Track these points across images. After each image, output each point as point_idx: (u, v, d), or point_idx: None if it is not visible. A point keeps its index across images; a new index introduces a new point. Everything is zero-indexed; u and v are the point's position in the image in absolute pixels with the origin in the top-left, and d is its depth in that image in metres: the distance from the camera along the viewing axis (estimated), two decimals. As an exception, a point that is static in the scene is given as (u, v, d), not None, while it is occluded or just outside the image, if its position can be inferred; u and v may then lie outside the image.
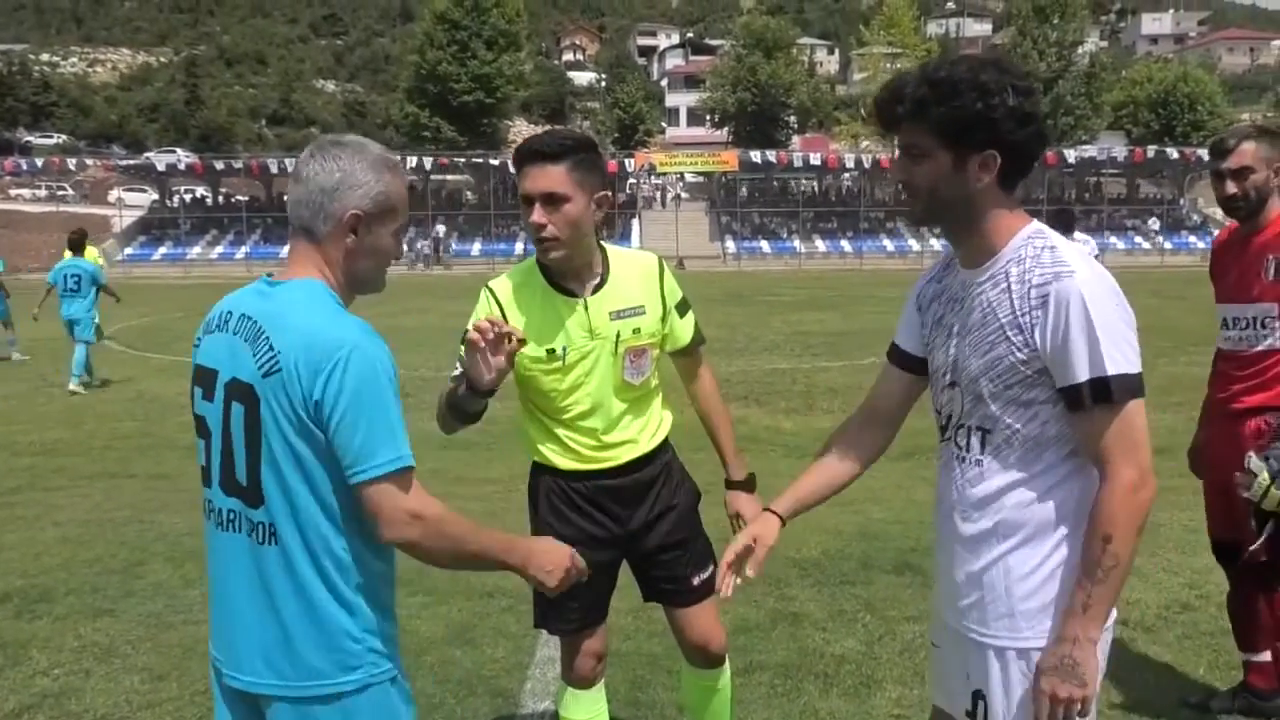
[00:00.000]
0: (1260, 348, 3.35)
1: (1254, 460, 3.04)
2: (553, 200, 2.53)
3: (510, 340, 2.33)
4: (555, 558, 2.06)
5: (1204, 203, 57.97)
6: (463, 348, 2.61)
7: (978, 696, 1.94)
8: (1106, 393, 1.74)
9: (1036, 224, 1.89)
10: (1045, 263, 1.80)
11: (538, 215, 2.55)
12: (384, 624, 1.95)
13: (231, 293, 1.99)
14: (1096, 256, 15.76)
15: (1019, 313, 1.81)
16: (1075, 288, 1.75)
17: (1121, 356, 1.75)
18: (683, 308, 2.85)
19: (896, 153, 1.96)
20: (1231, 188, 3.33)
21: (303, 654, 1.86)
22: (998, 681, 1.90)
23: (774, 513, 2.16)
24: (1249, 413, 3.36)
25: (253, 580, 1.90)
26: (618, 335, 2.69)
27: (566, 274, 2.68)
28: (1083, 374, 1.75)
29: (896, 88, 1.89)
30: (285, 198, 2.00)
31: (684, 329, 2.86)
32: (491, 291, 2.72)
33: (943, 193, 1.86)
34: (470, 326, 2.49)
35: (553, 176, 2.53)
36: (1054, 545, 1.86)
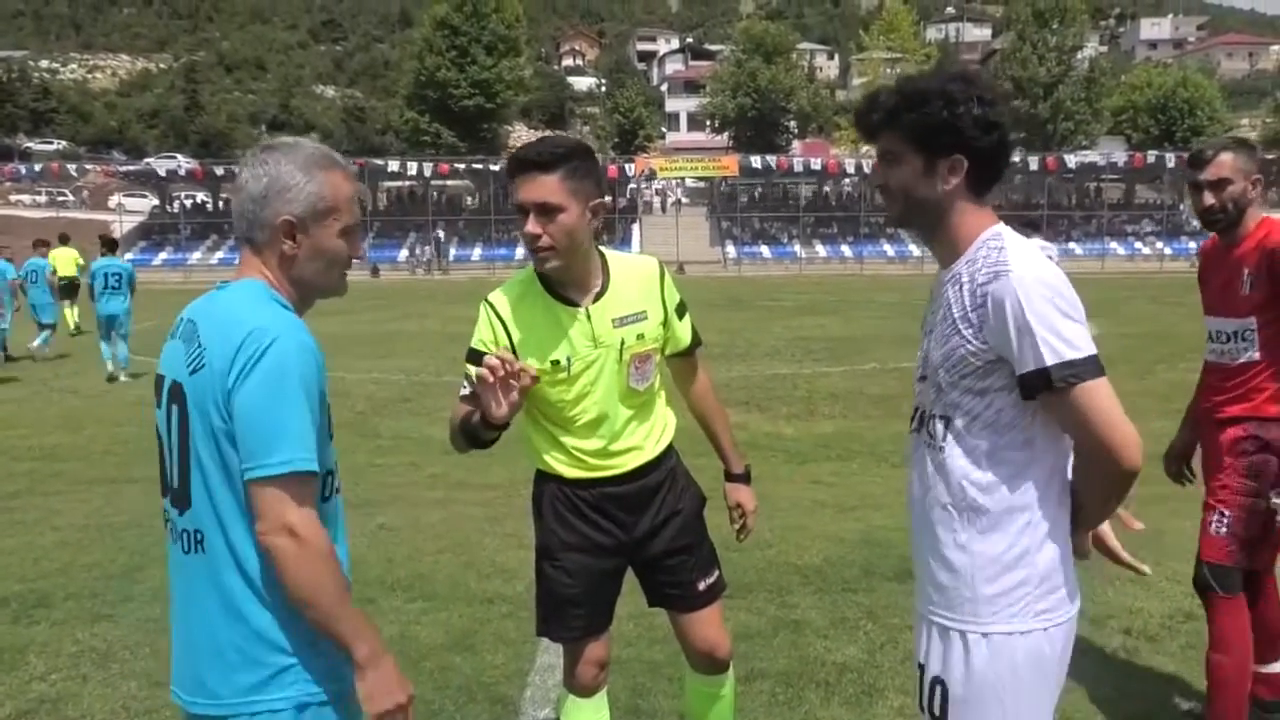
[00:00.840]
0: (1241, 360, 3.33)
1: None
2: (546, 210, 2.51)
3: (522, 377, 2.32)
4: (393, 684, 1.79)
5: (1203, 208, 57.87)
6: (469, 367, 2.60)
7: (935, 684, 2.00)
8: (1048, 381, 1.82)
9: (999, 227, 1.98)
10: (990, 262, 1.89)
11: (532, 226, 2.52)
12: (323, 641, 1.82)
13: (196, 299, 1.97)
14: (1054, 260, 16.55)
15: (968, 309, 1.91)
16: (1009, 285, 1.84)
17: (1060, 344, 1.81)
18: (681, 310, 2.86)
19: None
20: (1209, 199, 3.29)
21: (233, 671, 1.79)
22: (960, 665, 1.96)
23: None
24: (1230, 422, 3.34)
25: (187, 592, 1.84)
26: (622, 342, 2.67)
27: (566, 283, 2.65)
28: (1024, 367, 1.84)
29: (873, 98, 2.04)
30: None
31: (684, 331, 2.87)
32: (491, 306, 2.67)
33: (915, 194, 1.98)
34: (470, 364, 2.52)
35: (546, 186, 2.50)
36: (1017, 532, 1.93)
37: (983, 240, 1.95)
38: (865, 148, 70.07)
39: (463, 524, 6.25)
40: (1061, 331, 1.82)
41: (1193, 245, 52.90)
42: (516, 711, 3.80)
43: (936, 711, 2.00)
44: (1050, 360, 1.80)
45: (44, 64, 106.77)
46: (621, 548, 2.81)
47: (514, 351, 2.60)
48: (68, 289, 19.06)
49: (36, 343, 15.71)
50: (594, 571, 2.78)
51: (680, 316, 2.84)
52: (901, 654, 4.20)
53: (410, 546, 5.78)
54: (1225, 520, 3.30)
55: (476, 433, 2.51)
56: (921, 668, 2.05)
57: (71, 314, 19.47)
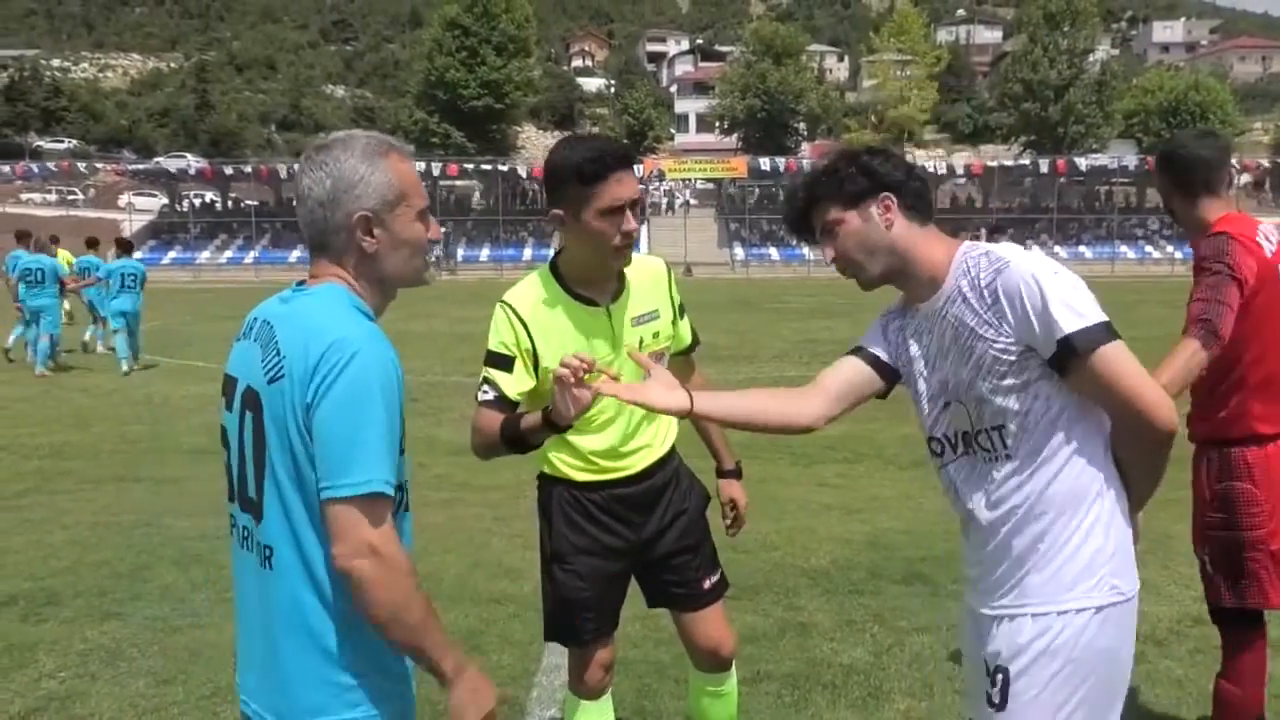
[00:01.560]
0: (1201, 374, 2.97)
1: None
2: (635, 204, 2.54)
3: (602, 379, 2.24)
4: (486, 694, 1.77)
5: (1214, 211, 57.61)
6: (487, 370, 2.58)
7: (998, 673, 2.00)
8: (1072, 350, 1.88)
9: (967, 243, 2.09)
10: (986, 264, 1.98)
11: (634, 221, 2.53)
12: (391, 660, 1.80)
13: (268, 299, 1.90)
14: None
15: (982, 313, 1.97)
16: (1014, 273, 1.93)
17: (1072, 314, 1.88)
18: (682, 310, 2.88)
19: (824, 252, 2.17)
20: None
21: (301, 690, 1.74)
22: (1033, 648, 1.96)
23: (688, 396, 2.14)
24: (1200, 444, 3.11)
25: (259, 605, 1.80)
26: (640, 341, 2.67)
27: (587, 283, 2.63)
28: (1050, 345, 1.89)
29: (792, 198, 2.21)
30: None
31: (686, 331, 2.90)
32: (510, 307, 2.61)
33: (868, 244, 2.08)
34: (491, 368, 2.54)
35: (635, 181, 2.55)
36: (1085, 509, 1.98)
37: (962, 256, 2.04)
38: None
39: (469, 524, 6.26)
40: (1072, 301, 1.89)
41: (1203, 249, 52.67)
42: (523, 712, 3.80)
43: (997, 699, 2.00)
44: (1069, 328, 1.87)
45: (55, 63, 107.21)
46: (630, 549, 2.80)
47: (534, 354, 2.58)
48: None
49: (87, 334, 17.09)
50: (604, 574, 2.78)
51: (681, 316, 2.87)
52: (908, 657, 4.19)
53: (417, 546, 5.73)
54: (1207, 560, 3.09)
55: (525, 438, 2.48)
56: (987, 665, 2.04)
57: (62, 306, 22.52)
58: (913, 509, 6.60)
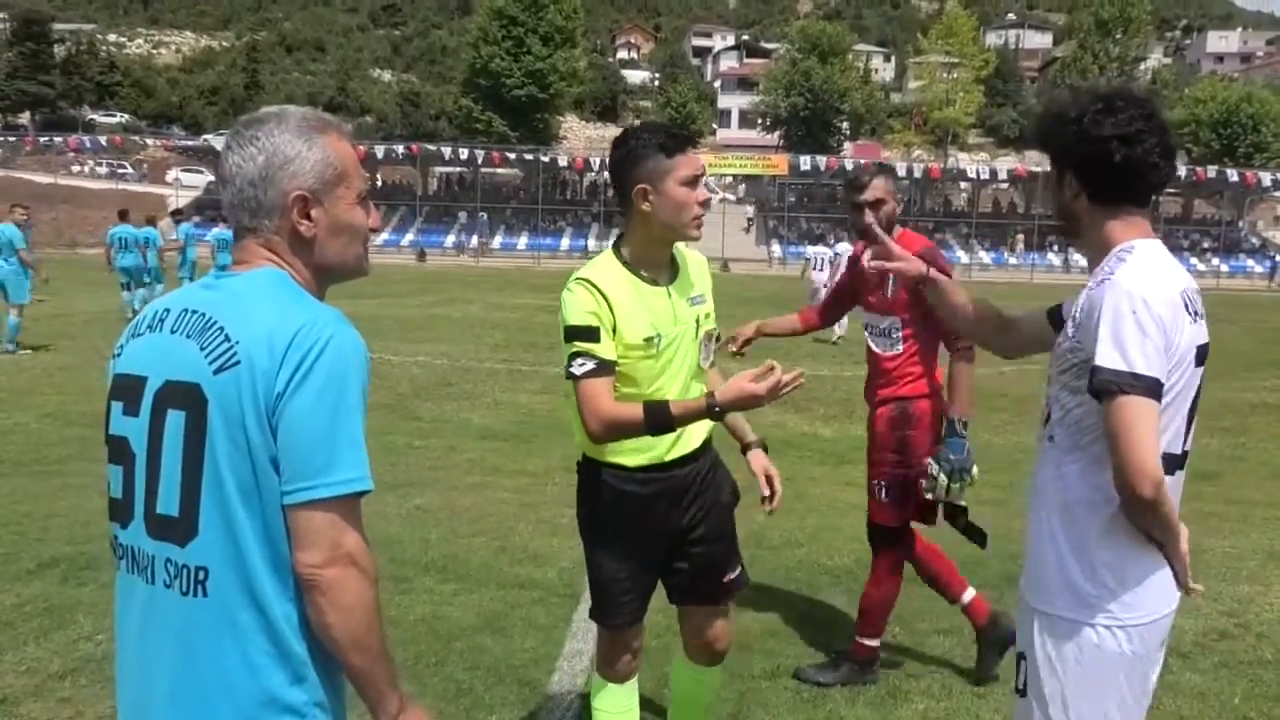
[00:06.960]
0: (890, 352, 3.91)
1: (931, 465, 3.68)
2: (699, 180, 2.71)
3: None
4: None
5: (1263, 226, 56.69)
6: (577, 344, 2.58)
7: (1020, 658, 2.11)
8: (1091, 384, 1.90)
9: (1137, 240, 2.02)
10: (1106, 271, 1.98)
11: (704, 192, 2.72)
12: (331, 697, 1.60)
13: (177, 289, 1.72)
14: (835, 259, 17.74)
15: (1076, 311, 2.02)
16: (1105, 292, 1.92)
17: (1115, 352, 1.86)
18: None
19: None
20: (869, 217, 3.79)
21: None
22: (1038, 644, 2.06)
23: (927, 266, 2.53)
24: (881, 403, 3.94)
25: (172, 646, 1.54)
26: (697, 320, 2.79)
27: (650, 264, 2.74)
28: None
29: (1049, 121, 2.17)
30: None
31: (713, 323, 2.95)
32: (592, 283, 2.64)
33: (1056, 203, 2.13)
34: (582, 341, 2.58)
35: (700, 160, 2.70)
36: (1100, 528, 1.99)
37: (1115, 252, 2.02)
38: (917, 151, 69.48)
39: (497, 508, 6.32)
40: (1124, 340, 1.86)
41: (1251, 262, 51.89)
42: (543, 694, 3.85)
43: (1020, 685, 2.11)
44: (1100, 362, 1.87)
45: (111, 38, 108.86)
46: (665, 537, 2.85)
47: (615, 327, 2.63)
48: None
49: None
50: (644, 560, 2.84)
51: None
52: (927, 658, 4.20)
53: (446, 528, 5.86)
54: (883, 488, 3.91)
55: (674, 424, 2.57)
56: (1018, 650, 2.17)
57: None
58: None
